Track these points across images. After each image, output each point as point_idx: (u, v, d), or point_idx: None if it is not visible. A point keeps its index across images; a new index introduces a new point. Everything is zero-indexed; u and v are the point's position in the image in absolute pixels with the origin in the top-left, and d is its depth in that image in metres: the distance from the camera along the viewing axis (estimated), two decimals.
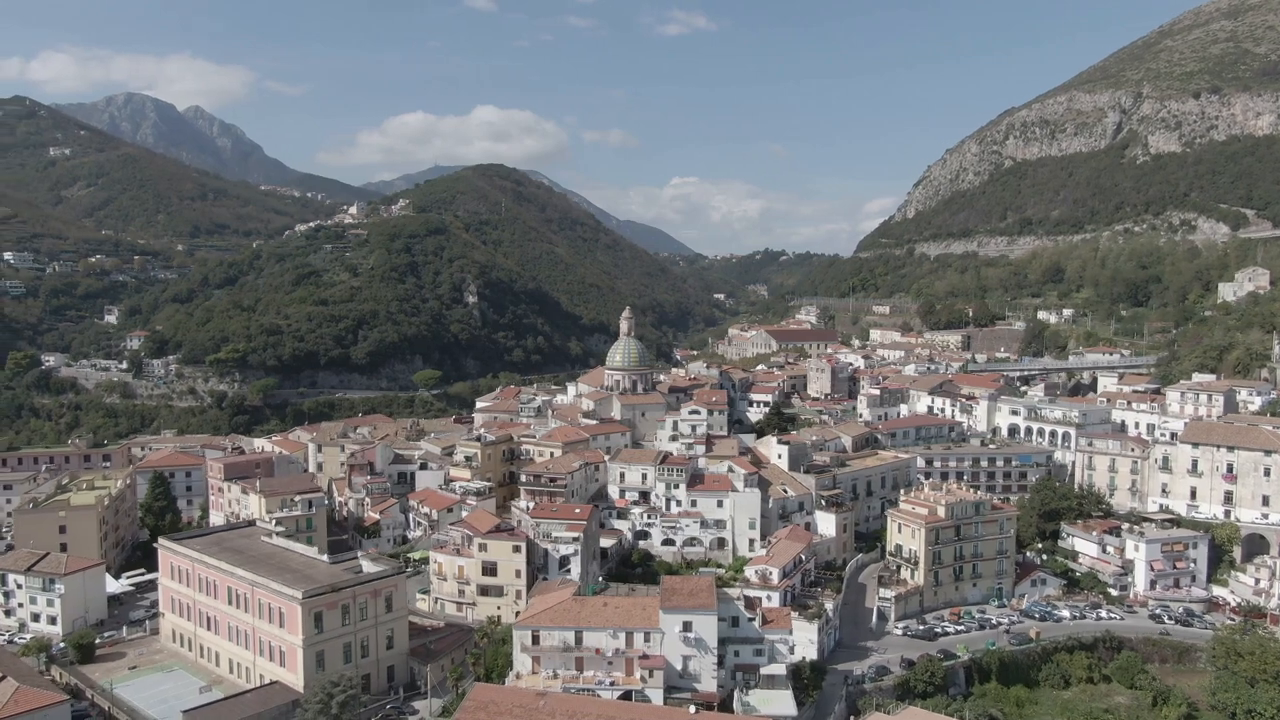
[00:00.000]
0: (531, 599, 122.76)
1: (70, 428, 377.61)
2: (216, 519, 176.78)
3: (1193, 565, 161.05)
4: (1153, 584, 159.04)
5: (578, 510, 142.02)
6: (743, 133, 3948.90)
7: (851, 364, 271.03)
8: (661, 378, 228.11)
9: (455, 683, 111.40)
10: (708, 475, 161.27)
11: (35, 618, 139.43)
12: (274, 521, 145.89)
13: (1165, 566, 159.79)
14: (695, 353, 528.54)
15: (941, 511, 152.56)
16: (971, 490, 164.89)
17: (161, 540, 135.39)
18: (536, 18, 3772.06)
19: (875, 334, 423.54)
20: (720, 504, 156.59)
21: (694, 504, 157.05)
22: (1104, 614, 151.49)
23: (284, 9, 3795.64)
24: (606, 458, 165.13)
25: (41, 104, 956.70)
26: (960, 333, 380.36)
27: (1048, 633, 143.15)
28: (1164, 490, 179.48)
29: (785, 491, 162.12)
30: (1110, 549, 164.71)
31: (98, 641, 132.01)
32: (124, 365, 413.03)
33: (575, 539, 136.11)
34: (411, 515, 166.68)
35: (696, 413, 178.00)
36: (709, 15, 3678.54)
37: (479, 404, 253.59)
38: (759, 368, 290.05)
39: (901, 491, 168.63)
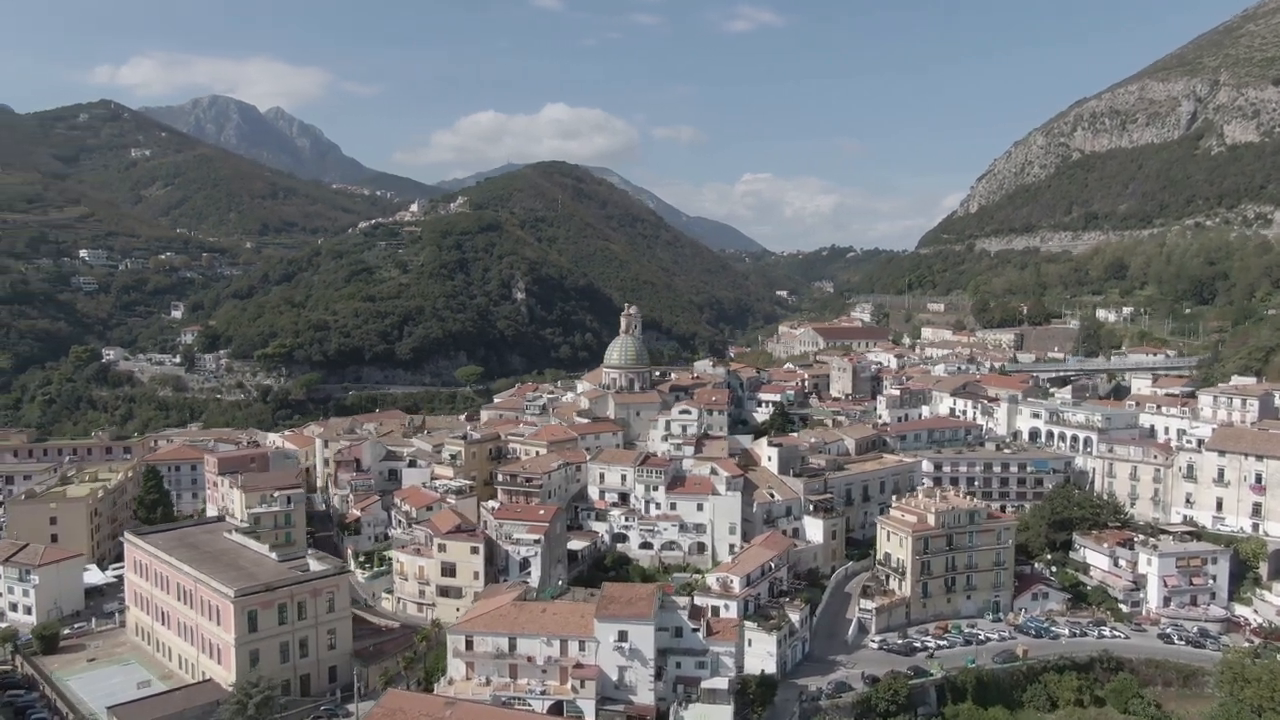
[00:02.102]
0: (476, 602, 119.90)
1: (124, 420, 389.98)
2: (212, 513, 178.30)
3: (1212, 581, 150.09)
4: (1167, 601, 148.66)
5: (541, 511, 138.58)
6: (815, 128, 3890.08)
7: (879, 364, 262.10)
8: (674, 376, 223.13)
9: (384, 686, 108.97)
10: (689, 477, 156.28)
11: (13, 607, 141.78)
12: (247, 518, 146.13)
13: (1181, 582, 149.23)
14: (748, 350, 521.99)
15: (931, 519, 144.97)
16: (970, 498, 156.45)
17: (126, 534, 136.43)
18: (603, 15, 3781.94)
19: (927, 332, 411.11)
20: (700, 507, 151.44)
21: (673, 507, 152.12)
22: (1107, 632, 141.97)
23: (357, 10, 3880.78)
24: (588, 458, 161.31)
25: (126, 107, 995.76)
26: (1013, 331, 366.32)
27: (1040, 650, 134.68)
28: (1188, 500, 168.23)
29: (772, 495, 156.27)
30: (1122, 562, 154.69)
31: (67, 632, 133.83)
32: (177, 359, 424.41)
33: (536, 541, 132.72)
34: (393, 513, 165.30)
35: (687, 412, 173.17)
36: (776, 10, 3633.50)
37: (497, 400, 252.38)
38: (786, 366, 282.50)
39: (894, 497, 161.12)
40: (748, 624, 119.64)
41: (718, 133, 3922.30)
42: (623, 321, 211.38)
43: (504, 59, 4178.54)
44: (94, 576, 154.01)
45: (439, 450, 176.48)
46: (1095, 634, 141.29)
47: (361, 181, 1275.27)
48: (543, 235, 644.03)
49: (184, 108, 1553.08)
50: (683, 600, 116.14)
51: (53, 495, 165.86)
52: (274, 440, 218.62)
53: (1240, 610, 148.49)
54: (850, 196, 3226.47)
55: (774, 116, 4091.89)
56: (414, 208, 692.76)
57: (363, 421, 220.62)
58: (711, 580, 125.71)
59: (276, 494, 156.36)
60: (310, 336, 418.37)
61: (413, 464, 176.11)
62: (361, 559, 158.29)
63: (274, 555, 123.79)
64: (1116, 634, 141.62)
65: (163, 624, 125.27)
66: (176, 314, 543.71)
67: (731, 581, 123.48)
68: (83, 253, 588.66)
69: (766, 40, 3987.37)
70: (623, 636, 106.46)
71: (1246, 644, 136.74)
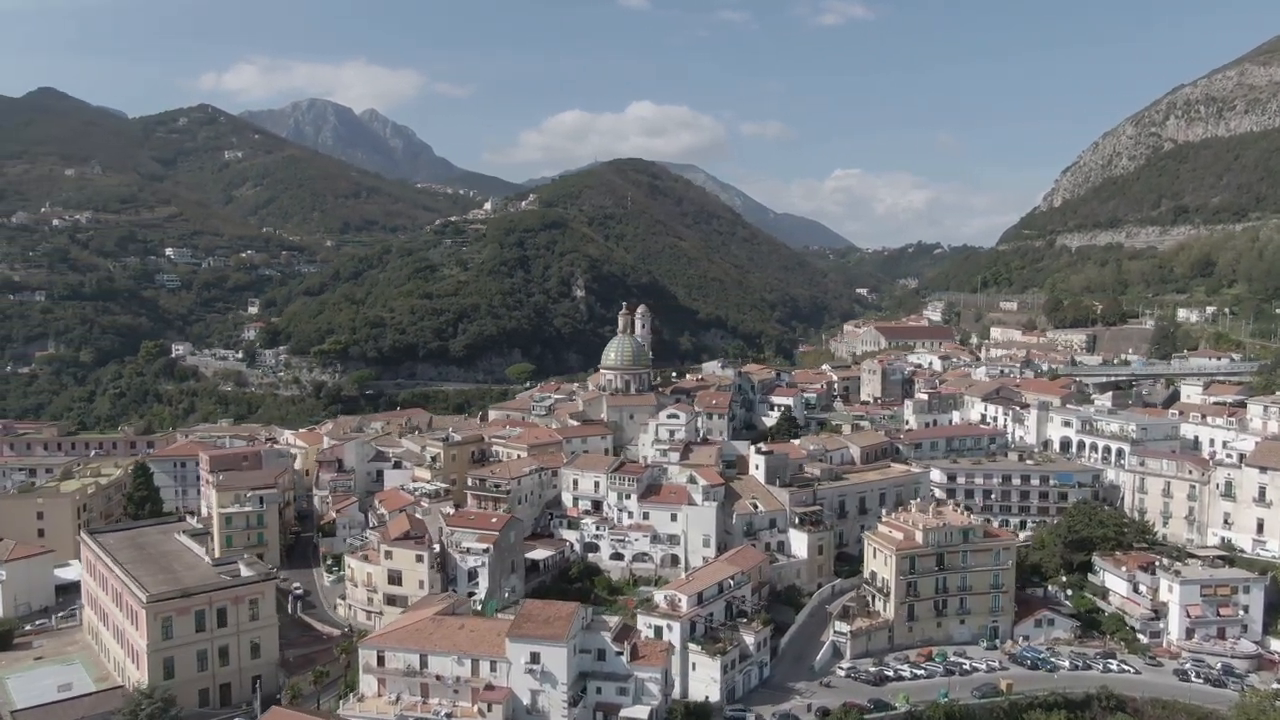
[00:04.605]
0: (403, 613, 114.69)
1: (187, 413, 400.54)
2: (204, 511, 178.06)
3: (1243, 613, 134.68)
4: (1189, 633, 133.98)
5: (494, 519, 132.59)
6: (907, 122, 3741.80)
7: (915, 366, 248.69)
8: (689, 377, 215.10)
9: (291, 700, 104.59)
10: (665, 486, 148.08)
11: None
12: (219, 518, 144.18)
13: (1206, 612, 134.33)
14: (814, 349, 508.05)
15: (919, 536, 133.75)
16: (968, 513, 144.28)
17: (82, 533, 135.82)
18: (690, 13, 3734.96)
19: (996, 332, 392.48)
20: (674, 517, 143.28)
21: (646, 516, 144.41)
22: (1114, 665, 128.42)
23: (449, 13, 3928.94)
24: (564, 462, 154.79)
25: (222, 111, 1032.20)
26: (1085, 331, 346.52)
27: (1031, 684, 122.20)
28: (1226, 521, 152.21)
29: (755, 506, 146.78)
30: (1142, 588, 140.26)
31: (28, 629, 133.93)
32: (239, 355, 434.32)
33: (485, 550, 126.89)
34: (370, 515, 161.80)
35: (675, 417, 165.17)
36: (866, 3, 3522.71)
37: (519, 398, 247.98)
38: (823, 367, 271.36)
39: (884, 512, 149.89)
40: (691, 647, 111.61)
41: (806, 128, 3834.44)
42: (620, 320, 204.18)
43: (590, 58, 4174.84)
44: (72, 573, 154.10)
45: (424, 451, 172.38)
46: (1100, 667, 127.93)
47: (450, 181, 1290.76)
48: (610, 233, 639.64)
49: (284, 111, 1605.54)
50: (613, 620, 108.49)
51: (44, 490, 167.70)
52: (287, 438, 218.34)
53: (1276, 645, 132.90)
54: (945, 192, 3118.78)
55: (864, 111, 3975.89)
56: (487, 206, 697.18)
57: (372, 420, 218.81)
58: (659, 598, 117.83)
59: (250, 494, 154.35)
60: (366, 333, 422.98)
61: (398, 465, 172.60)
62: (329, 562, 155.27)
63: (208, 559, 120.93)
64: (1126, 668, 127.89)
65: (104, 625, 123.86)
66: (253, 309, 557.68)
67: (679, 600, 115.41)
68: (168, 251, 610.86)
69: (856, 34, 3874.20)
70: (535, 658, 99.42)
71: (1278, 684, 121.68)
